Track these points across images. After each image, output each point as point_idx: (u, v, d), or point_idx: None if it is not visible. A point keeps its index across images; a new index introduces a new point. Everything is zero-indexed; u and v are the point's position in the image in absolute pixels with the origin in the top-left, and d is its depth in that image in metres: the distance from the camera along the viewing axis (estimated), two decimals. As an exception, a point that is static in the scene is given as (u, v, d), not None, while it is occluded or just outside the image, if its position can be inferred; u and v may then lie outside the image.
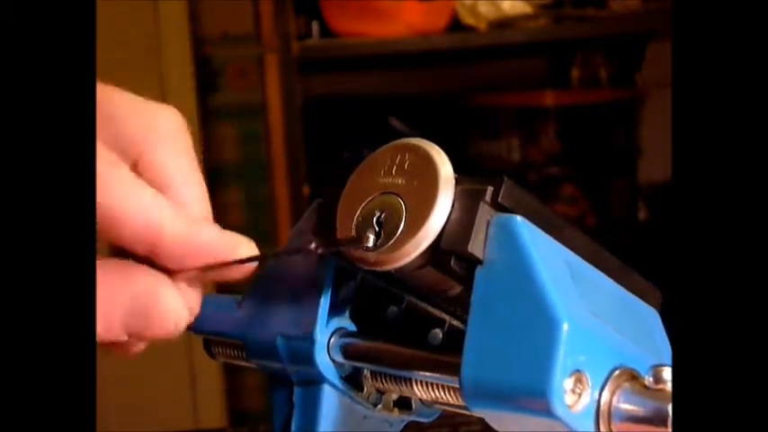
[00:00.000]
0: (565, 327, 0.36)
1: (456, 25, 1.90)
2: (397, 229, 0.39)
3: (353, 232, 0.40)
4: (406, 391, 0.43)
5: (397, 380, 0.43)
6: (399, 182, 0.40)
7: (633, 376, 0.37)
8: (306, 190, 1.84)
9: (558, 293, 0.37)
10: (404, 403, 0.46)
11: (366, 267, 0.40)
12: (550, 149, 2.03)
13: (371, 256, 0.40)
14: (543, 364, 0.36)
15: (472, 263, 0.39)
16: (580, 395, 0.36)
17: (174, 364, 2.03)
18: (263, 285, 0.45)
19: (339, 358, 0.43)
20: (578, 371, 0.36)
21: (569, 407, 0.36)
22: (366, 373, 0.44)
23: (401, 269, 0.40)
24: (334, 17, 1.89)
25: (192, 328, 0.46)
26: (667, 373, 0.36)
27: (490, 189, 0.39)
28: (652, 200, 2.07)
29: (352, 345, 0.43)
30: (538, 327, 0.36)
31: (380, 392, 0.45)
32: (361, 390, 0.44)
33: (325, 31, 1.89)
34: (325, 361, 0.43)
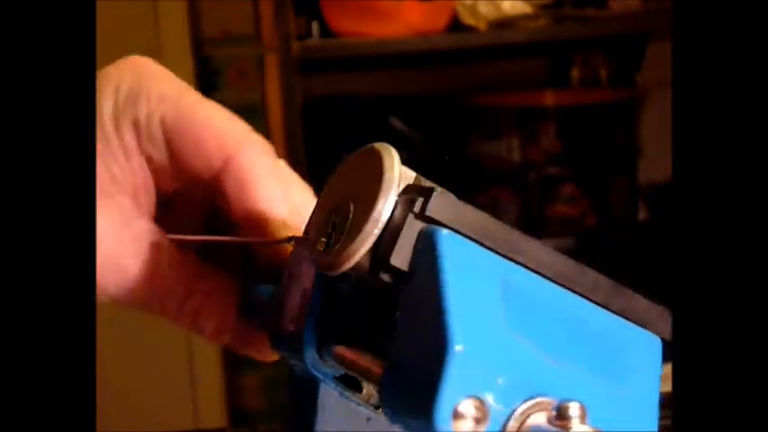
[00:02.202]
0: (458, 348, 0.34)
1: (456, 25, 1.90)
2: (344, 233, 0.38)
3: (313, 236, 0.40)
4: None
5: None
6: (357, 186, 0.39)
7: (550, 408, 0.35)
8: (306, 190, 1.84)
9: (464, 313, 0.35)
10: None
11: (321, 270, 0.40)
12: (550, 149, 2.03)
13: (322, 259, 0.39)
14: (432, 387, 0.34)
15: (401, 275, 0.37)
16: (479, 421, 0.34)
17: (174, 364, 2.03)
18: (281, 279, 0.45)
19: (330, 361, 0.43)
20: (476, 396, 0.34)
21: None
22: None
23: (350, 275, 0.39)
24: (334, 17, 1.89)
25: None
26: (574, 410, 0.34)
27: (420, 200, 0.37)
28: (652, 200, 2.07)
29: (338, 349, 0.43)
30: (435, 347, 0.35)
31: (380, 393, 0.44)
32: (360, 391, 0.44)
33: (325, 31, 1.90)
34: (315, 362, 0.43)
